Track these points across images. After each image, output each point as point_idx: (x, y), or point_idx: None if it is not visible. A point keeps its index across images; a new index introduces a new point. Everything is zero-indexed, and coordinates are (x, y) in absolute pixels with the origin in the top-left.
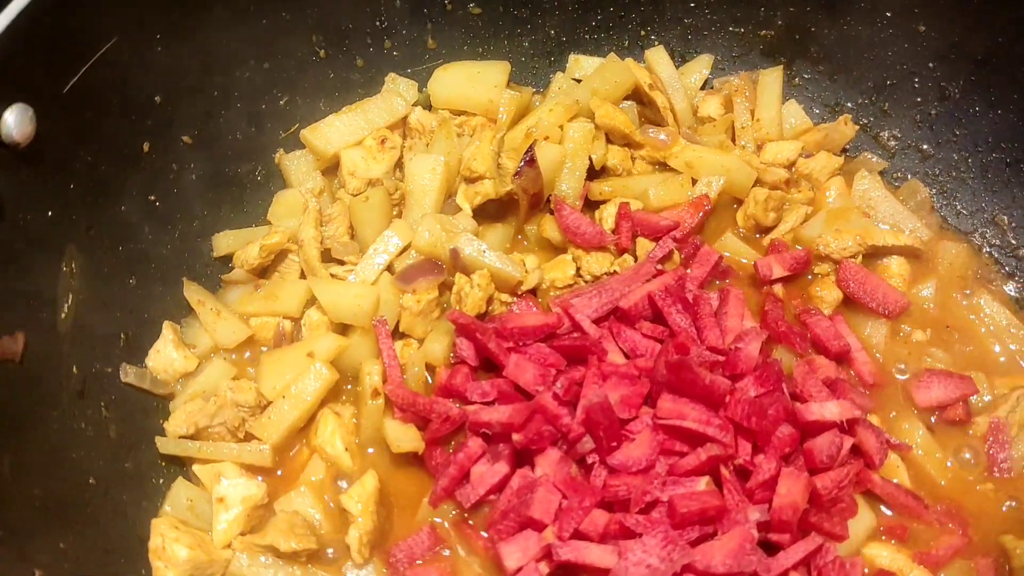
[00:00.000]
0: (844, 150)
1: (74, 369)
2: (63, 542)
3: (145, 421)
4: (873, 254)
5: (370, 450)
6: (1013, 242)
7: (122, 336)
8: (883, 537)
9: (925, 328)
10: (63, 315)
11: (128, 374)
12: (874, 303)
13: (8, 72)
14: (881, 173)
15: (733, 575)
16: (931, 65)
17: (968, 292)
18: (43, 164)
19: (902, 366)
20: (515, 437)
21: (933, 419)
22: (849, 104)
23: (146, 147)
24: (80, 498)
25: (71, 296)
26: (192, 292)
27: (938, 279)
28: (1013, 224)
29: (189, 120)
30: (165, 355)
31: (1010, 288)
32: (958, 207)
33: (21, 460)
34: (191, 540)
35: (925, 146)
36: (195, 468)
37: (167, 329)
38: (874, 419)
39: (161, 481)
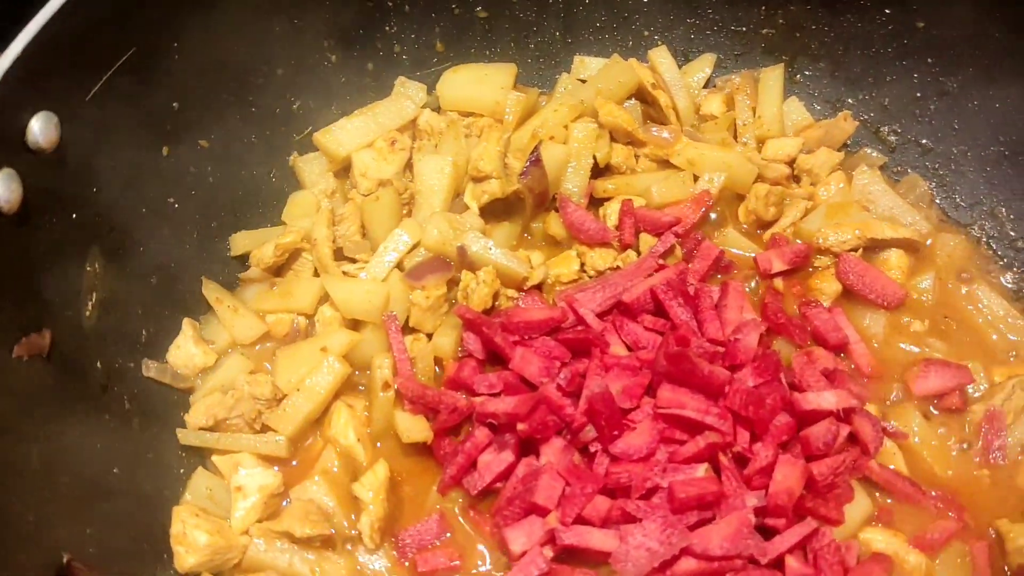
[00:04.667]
0: (844, 145)
1: (98, 364)
2: (90, 528)
3: (166, 413)
4: (873, 247)
5: (378, 444)
6: (1011, 234)
7: (143, 332)
8: (878, 525)
9: (923, 319)
10: (87, 313)
11: (150, 369)
12: (873, 295)
13: (34, 81)
14: (881, 168)
15: (730, 558)
16: (930, 61)
17: (966, 280)
18: (67, 169)
19: (900, 356)
20: (520, 427)
21: (931, 407)
22: (849, 100)
23: (165, 151)
24: (105, 487)
25: (95, 295)
26: (210, 290)
27: (936, 271)
28: (1012, 216)
29: (206, 124)
30: (185, 350)
31: (1008, 279)
32: (957, 200)
33: (49, 450)
34: (210, 526)
35: (924, 140)
36: (214, 458)
37: (187, 326)
38: (872, 408)
39: (182, 471)
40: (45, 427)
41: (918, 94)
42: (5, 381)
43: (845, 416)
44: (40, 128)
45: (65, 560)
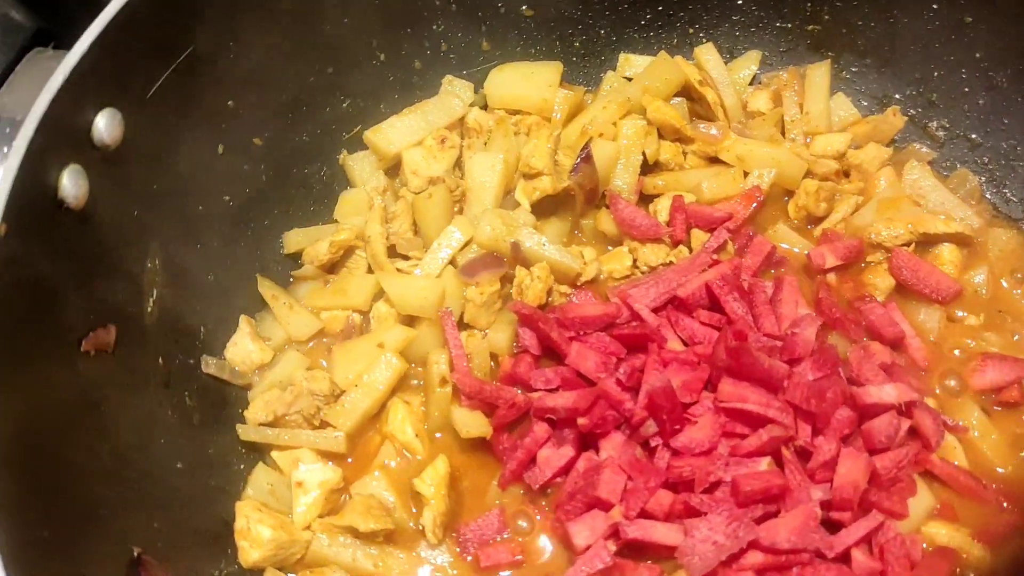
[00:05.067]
0: (893, 141)
1: (160, 360)
2: (156, 522)
3: (225, 410)
4: (924, 242)
5: (438, 435)
6: None
7: (202, 329)
8: (940, 519)
9: (978, 313)
10: (149, 309)
11: (209, 365)
12: (927, 289)
13: (100, 79)
14: (930, 163)
15: (797, 551)
16: (978, 55)
17: (1019, 277)
18: (130, 166)
19: (956, 351)
20: (580, 421)
21: (989, 401)
22: (897, 96)
23: (220, 149)
24: (169, 482)
25: (155, 291)
26: (266, 287)
27: (989, 265)
28: None
29: (259, 123)
30: (242, 347)
31: None
32: (1007, 194)
33: (117, 445)
34: (273, 521)
35: (974, 135)
36: (273, 454)
37: (243, 323)
38: (930, 402)
39: (242, 466)
40: (112, 422)
41: (966, 89)
42: (74, 375)
43: (906, 410)
44: (105, 125)
45: (136, 554)
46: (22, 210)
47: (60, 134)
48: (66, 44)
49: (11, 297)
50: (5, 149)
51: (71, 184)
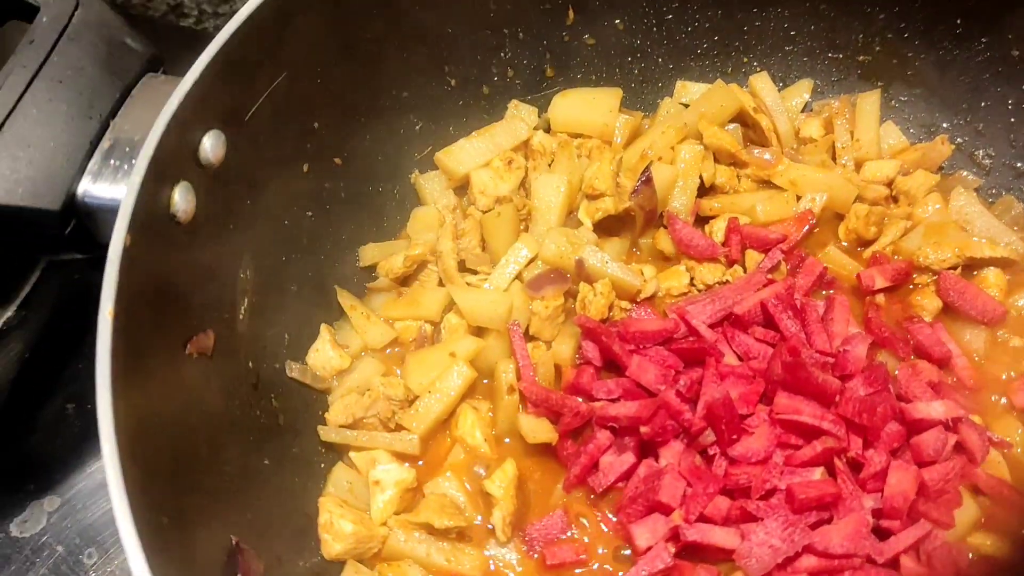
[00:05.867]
0: (940, 168)
1: (250, 364)
2: (249, 513)
3: (307, 412)
4: (970, 265)
5: (506, 440)
6: None
7: (286, 336)
8: (985, 530)
9: (1022, 335)
10: (241, 316)
11: (292, 369)
12: (974, 311)
13: (208, 103)
14: (976, 189)
15: (849, 556)
16: None
17: None
18: (229, 183)
19: (1002, 371)
20: (643, 429)
21: None
22: (945, 124)
23: (305, 168)
24: (259, 477)
25: (247, 300)
26: (345, 298)
27: None
28: None
29: (340, 144)
30: (323, 353)
31: None
32: None
33: (214, 442)
34: (354, 517)
35: (1019, 164)
36: (352, 455)
37: (324, 331)
38: (976, 419)
39: (323, 465)
40: (210, 420)
41: (1012, 119)
42: (178, 376)
43: (952, 426)
44: (211, 145)
45: (234, 542)
46: (143, 223)
47: (173, 154)
48: (174, 70)
49: (134, 304)
50: (126, 167)
51: (182, 200)
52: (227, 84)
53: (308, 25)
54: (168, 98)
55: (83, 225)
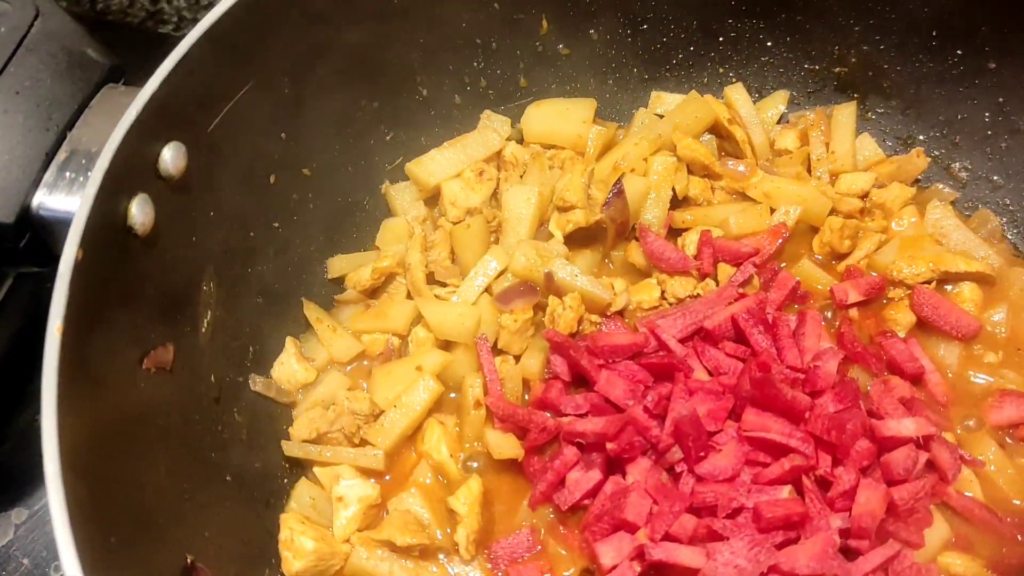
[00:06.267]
0: (916, 181)
1: (212, 378)
2: (207, 531)
3: (271, 426)
4: (945, 280)
5: (473, 464)
6: None
7: (250, 349)
8: (956, 550)
9: (997, 350)
10: (203, 330)
11: (256, 383)
12: (947, 326)
13: (168, 114)
14: (953, 203)
15: None
16: (1000, 100)
17: None
18: (191, 194)
19: (976, 388)
20: (609, 446)
21: (1006, 437)
22: (921, 137)
23: (272, 179)
24: (218, 493)
25: (210, 312)
26: (311, 310)
27: (1009, 304)
28: None
29: (308, 154)
30: (288, 367)
31: None
32: None
33: (173, 457)
34: (316, 534)
35: (995, 177)
36: (315, 470)
37: (289, 344)
38: (949, 436)
39: (285, 481)
40: (171, 436)
41: (989, 132)
42: (134, 391)
43: (924, 443)
44: (171, 157)
45: (189, 560)
46: (96, 236)
47: (131, 166)
48: (135, 80)
49: (86, 319)
50: (82, 179)
51: (139, 212)
52: (189, 94)
53: (276, 34)
54: (127, 109)
55: (39, 238)
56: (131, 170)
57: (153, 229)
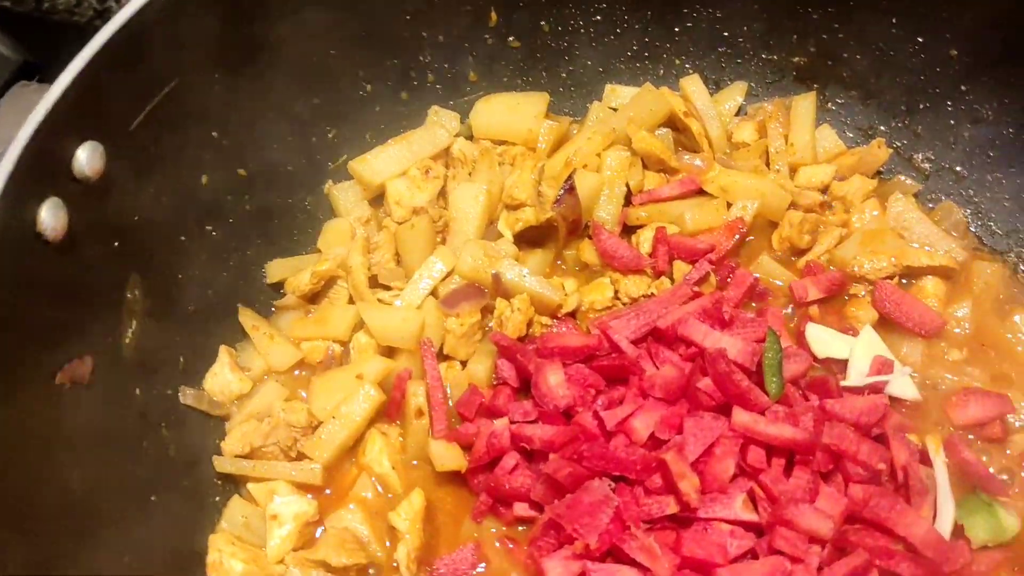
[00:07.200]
0: (878, 173)
1: (137, 391)
2: (128, 555)
3: (202, 441)
4: (908, 275)
5: (415, 464)
6: None
7: (181, 360)
8: None
9: (961, 347)
10: (127, 340)
11: (187, 396)
12: (910, 323)
13: (82, 113)
14: (915, 195)
15: None
16: (963, 88)
17: (1004, 311)
18: (111, 198)
19: (939, 386)
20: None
21: (971, 437)
22: (882, 128)
23: (204, 180)
24: (143, 514)
25: (134, 322)
26: (247, 317)
27: (973, 299)
28: None
29: (243, 153)
30: (221, 377)
31: None
32: (992, 227)
33: (90, 477)
34: (246, 555)
35: (959, 168)
36: (250, 486)
37: (223, 353)
38: (912, 437)
39: (217, 499)
40: (86, 454)
41: (951, 122)
42: (48, 408)
43: (885, 443)
44: (86, 158)
45: None
46: (1, 244)
47: (40, 168)
48: (51, 77)
49: None
50: None
51: (50, 217)
52: (107, 92)
53: (202, 27)
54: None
55: None
56: (41, 172)
57: (67, 235)
